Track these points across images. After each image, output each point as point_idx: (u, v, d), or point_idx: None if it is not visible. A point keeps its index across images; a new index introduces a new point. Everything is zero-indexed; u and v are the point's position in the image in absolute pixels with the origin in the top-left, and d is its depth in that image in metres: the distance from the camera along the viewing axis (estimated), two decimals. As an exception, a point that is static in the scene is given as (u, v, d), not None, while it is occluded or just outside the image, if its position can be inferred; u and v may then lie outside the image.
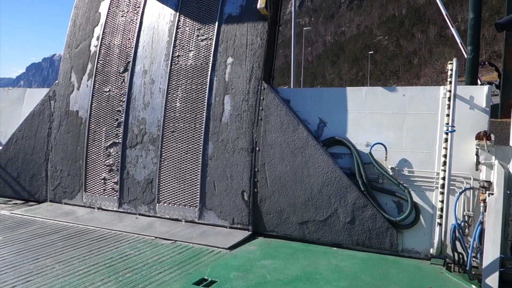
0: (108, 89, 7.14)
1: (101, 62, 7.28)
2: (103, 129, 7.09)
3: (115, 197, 6.88)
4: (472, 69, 7.78)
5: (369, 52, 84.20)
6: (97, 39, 7.40)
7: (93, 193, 7.07)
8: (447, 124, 5.15)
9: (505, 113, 5.18)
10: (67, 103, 7.44)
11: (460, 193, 5.16)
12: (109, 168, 6.96)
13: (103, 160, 7.03)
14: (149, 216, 6.61)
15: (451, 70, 5.33)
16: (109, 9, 7.43)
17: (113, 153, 6.96)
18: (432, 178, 5.42)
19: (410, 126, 5.61)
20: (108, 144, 7.02)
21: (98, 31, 7.43)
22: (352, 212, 5.53)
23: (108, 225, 6.23)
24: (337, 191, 5.61)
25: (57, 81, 7.68)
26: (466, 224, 5.11)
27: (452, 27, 9.20)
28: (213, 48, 6.50)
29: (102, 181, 7.00)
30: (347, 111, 5.95)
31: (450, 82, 5.26)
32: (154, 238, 5.76)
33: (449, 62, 5.46)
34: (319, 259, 5.14)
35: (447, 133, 5.13)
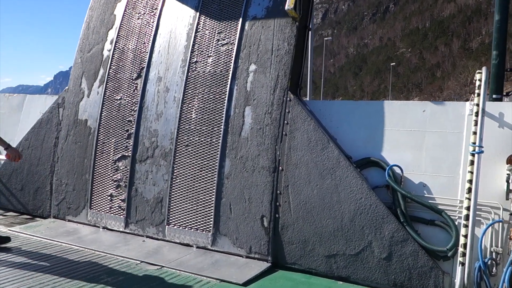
0: (119, 97, 6.53)
1: (113, 67, 6.68)
2: (112, 140, 6.46)
3: (121, 216, 6.23)
4: (498, 76, 6.95)
5: (391, 64, 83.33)
6: (111, 42, 6.79)
7: (98, 211, 6.42)
8: (474, 143, 4.36)
9: None
10: (76, 111, 6.84)
11: (488, 226, 4.36)
12: (116, 184, 6.32)
13: (111, 175, 6.39)
14: (157, 239, 5.93)
15: (480, 80, 4.61)
16: (125, 10, 6.82)
17: (121, 167, 6.32)
18: (454, 207, 4.66)
19: (431, 146, 4.87)
20: (117, 157, 6.38)
21: (112, 34, 6.83)
22: (389, 247, 4.75)
23: (111, 249, 5.54)
24: (372, 221, 4.85)
25: (66, 87, 7.11)
26: (494, 262, 4.33)
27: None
28: (234, 53, 5.84)
29: (109, 197, 6.35)
30: (359, 127, 5.29)
31: (478, 95, 4.52)
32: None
33: (478, 71, 4.74)
34: None
35: (473, 154, 4.35)
